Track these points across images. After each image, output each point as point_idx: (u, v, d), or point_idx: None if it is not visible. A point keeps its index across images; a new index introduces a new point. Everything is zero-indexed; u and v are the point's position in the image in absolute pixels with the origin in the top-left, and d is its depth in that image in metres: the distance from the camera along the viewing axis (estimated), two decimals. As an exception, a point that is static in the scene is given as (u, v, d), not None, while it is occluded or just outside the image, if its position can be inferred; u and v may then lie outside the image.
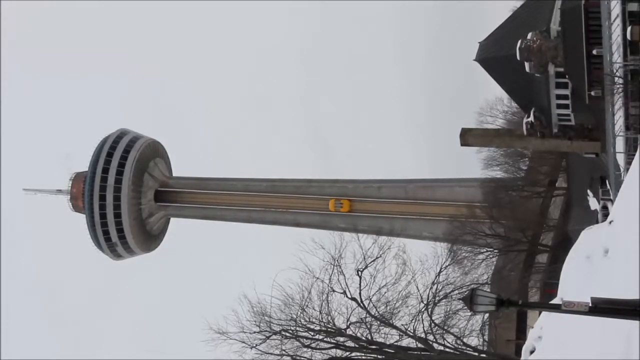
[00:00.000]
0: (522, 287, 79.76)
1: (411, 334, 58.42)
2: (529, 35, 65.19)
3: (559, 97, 68.27)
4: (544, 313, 33.22)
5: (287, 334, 57.74)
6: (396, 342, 58.74)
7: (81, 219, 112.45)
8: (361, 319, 58.91)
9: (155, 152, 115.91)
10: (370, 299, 59.42)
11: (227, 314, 57.49)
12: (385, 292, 60.36)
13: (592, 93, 61.70)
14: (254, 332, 57.14)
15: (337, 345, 58.55)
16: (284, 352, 57.20)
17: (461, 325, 62.58)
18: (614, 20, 55.28)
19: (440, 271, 63.74)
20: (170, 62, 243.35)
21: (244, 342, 56.62)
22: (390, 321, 59.33)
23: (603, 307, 17.68)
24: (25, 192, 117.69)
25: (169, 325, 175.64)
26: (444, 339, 59.76)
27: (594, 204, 67.09)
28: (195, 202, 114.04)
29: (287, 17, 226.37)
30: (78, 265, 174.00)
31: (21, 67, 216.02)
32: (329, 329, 58.30)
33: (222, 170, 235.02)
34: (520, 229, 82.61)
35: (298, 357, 57.72)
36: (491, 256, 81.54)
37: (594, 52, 59.76)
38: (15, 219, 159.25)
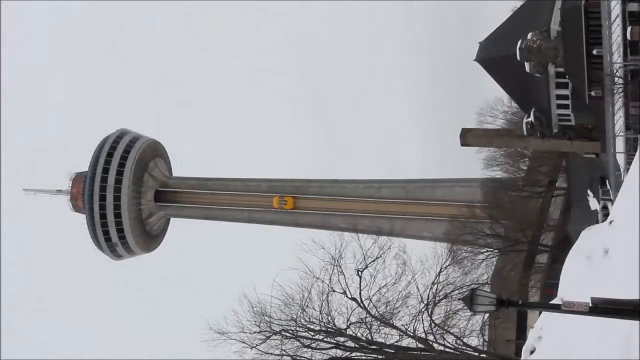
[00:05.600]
0: (522, 287, 79.78)
1: (411, 334, 58.42)
2: (529, 35, 65.20)
3: (559, 97, 68.30)
4: (544, 313, 33.24)
5: (287, 334, 57.76)
6: (396, 342, 58.76)
7: (81, 219, 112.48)
8: (361, 319, 58.90)
9: (155, 152, 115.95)
10: (371, 299, 59.42)
11: (227, 314, 57.59)
12: (385, 292, 60.38)
13: (592, 93, 61.69)
14: (254, 332, 57.17)
15: (337, 346, 58.56)
16: (284, 352, 57.22)
17: (461, 325, 62.62)
18: (614, 20, 55.31)
19: (440, 271, 63.72)
20: (171, 62, 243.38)
21: (244, 342, 56.67)
22: (391, 321, 59.32)
23: (603, 307, 17.70)
24: (25, 192, 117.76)
25: (169, 325, 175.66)
26: (444, 339, 59.77)
27: (594, 204, 67.10)
28: (195, 202, 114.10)
29: (287, 18, 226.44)
30: (78, 265, 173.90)
31: (21, 66, 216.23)
32: (329, 329, 58.30)
33: (222, 170, 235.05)
34: (520, 229, 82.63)
35: (298, 357, 57.74)
36: (491, 256, 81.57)
37: (594, 52, 59.77)
38: (15, 219, 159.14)
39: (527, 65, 65.56)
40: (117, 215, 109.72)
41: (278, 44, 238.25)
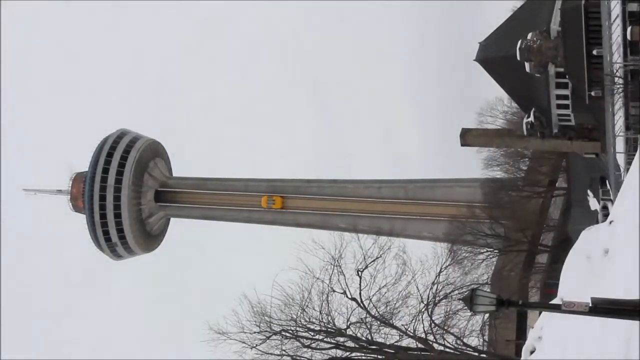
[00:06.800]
0: (522, 287, 79.80)
1: (411, 334, 58.42)
2: (529, 35, 65.16)
3: (559, 97, 68.25)
4: (544, 313, 33.26)
5: (287, 334, 57.75)
6: (396, 342, 58.76)
7: (81, 219, 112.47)
8: (361, 319, 58.90)
9: (155, 152, 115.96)
10: (371, 299, 59.41)
11: (227, 314, 57.61)
12: (385, 292, 60.37)
13: (592, 93, 61.67)
14: (254, 332, 57.18)
15: (337, 346, 58.56)
16: (284, 352, 57.22)
17: (461, 325, 62.62)
18: (614, 20, 55.29)
19: (440, 271, 63.71)
20: (170, 62, 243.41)
21: (244, 343, 56.67)
22: (391, 321, 59.32)
23: (603, 307, 17.70)
24: (25, 192, 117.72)
25: (169, 325, 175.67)
26: (444, 339, 59.77)
27: (594, 204, 67.09)
28: (195, 202, 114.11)
29: (288, 17, 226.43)
30: (78, 265, 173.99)
31: (21, 66, 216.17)
32: (329, 329, 58.30)
33: (222, 170, 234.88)
34: (520, 229, 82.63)
35: (298, 357, 57.74)
36: (491, 256, 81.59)
37: (594, 52, 59.74)
38: (15, 219, 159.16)
39: (527, 65, 65.51)
40: (117, 215, 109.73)
41: (278, 43, 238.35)
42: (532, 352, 31.76)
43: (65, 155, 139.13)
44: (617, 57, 55.00)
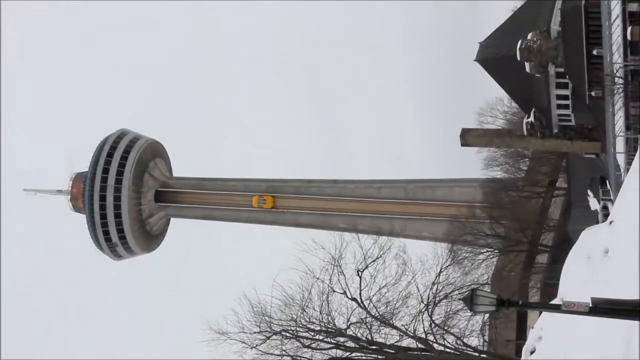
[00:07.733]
0: (522, 287, 79.81)
1: (411, 334, 58.41)
2: (529, 36, 65.15)
3: (559, 97, 68.22)
4: (544, 313, 33.28)
5: (288, 334, 57.74)
6: (396, 342, 58.74)
7: (81, 219, 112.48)
8: (361, 319, 58.89)
9: (155, 152, 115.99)
10: (371, 299, 59.40)
11: (227, 314, 57.60)
12: (385, 293, 60.36)
13: (592, 93, 61.66)
14: (254, 333, 57.16)
15: (338, 346, 58.55)
16: (284, 353, 57.21)
17: (461, 325, 62.61)
18: (614, 21, 55.26)
19: (440, 271, 63.69)
20: (171, 61, 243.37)
21: (244, 343, 56.66)
22: (391, 321, 59.31)
23: (603, 307, 17.71)
24: (25, 192, 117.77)
25: (169, 325, 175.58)
26: (444, 339, 59.76)
27: (594, 204, 67.07)
28: (195, 202, 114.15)
29: (288, 17, 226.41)
30: (78, 266, 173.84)
31: (22, 66, 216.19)
32: (329, 329, 58.29)
33: (223, 170, 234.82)
34: (520, 229, 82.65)
35: (298, 358, 57.73)
36: (491, 256, 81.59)
37: (594, 52, 59.71)
38: (15, 219, 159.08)
39: (527, 65, 65.48)
40: (117, 216, 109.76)
41: (278, 44, 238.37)
42: (532, 352, 31.80)
43: (66, 155, 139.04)
44: (617, 57, 54.96)
